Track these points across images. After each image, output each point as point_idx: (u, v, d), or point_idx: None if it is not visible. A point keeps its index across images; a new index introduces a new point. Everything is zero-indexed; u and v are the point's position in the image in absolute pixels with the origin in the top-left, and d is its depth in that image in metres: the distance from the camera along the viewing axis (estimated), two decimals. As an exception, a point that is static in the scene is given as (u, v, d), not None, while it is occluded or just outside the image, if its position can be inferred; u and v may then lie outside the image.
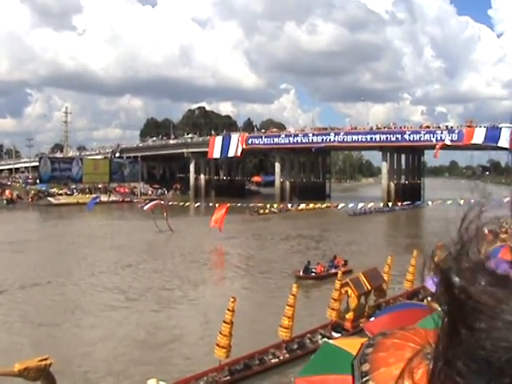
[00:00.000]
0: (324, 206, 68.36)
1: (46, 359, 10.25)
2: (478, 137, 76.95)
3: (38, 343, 17.55)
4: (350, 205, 61.05)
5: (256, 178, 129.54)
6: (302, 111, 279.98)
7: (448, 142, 79.01)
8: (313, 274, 28.81)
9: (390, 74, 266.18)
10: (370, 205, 64.64)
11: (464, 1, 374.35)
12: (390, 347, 3.85)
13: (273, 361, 15.99)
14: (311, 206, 65.31)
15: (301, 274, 28.47)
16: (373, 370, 3.78)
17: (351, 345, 5.14)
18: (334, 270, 27.77)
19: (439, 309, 3.72)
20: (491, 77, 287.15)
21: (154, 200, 63.79)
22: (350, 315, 18.74)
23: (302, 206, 65.03)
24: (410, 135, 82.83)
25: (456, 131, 79.57)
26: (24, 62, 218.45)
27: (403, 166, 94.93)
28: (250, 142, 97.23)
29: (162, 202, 55.16)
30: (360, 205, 61.82)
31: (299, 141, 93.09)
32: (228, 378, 14.64)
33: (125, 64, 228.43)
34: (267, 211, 64.07)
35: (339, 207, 61.15)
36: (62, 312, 22.18)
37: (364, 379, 3.71)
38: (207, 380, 14.44)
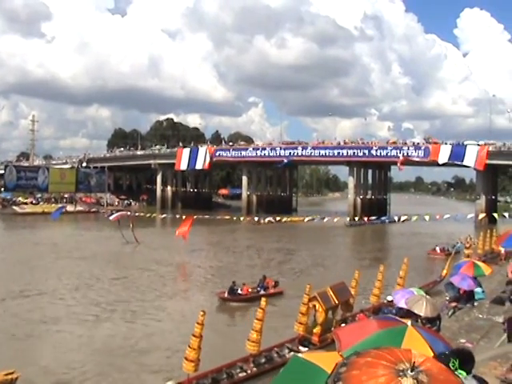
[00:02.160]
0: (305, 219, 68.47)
1: (12, 373, 10.20)
2: (444, 154, 77.77)
3: (5, 357, 17.33)
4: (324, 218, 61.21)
5: (223, 191, 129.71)
6: (269, 125, 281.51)
7: (415, 159, 79.82)
8: (239, 296, 26.38)
9: (358, 90, 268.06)
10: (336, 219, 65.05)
11: (431, 19, 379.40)
12: (363, 366, 4.01)
13: (240, 375, 15.92)
14: (279, 219, 65.52)
15: (226, 295, 26.36)
16: (346, 387, 3.91)
17: (320, 358, 5.22)
18: (263, 292, 26.24)
19: (408, 323, 3.89)
20: (457, 94, 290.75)
21: (120, 211, 63.57)
22: (317, 329, 18.75)
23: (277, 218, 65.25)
24: (376, 151, 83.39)
25: (422, 148, 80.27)
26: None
27: (370, 181, 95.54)
28: (217, 154, 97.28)
29: (129, 213, 54.96)
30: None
31: (267, 154, 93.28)
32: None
33: (93, 73, 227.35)
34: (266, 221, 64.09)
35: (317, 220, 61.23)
36: (27, 325, 21.96)
37: (337, 398, 3.84)
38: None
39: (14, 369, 10.54)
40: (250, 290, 26.97)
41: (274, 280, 28.76)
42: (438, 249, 43.14)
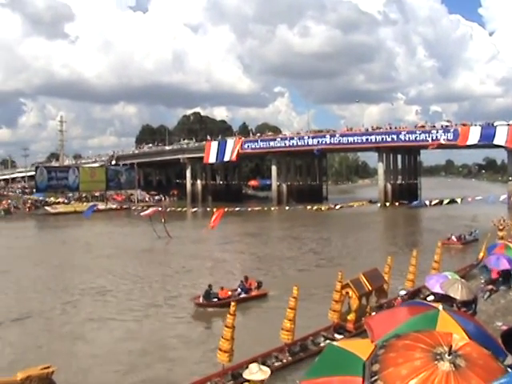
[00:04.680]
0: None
1: (48, 367, 10.22)
2: (474, 135, 76.70)
3: (48, 354, 17.44)
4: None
5: (253, 182, 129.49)
6: (296, 114, 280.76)
7: (443, 142, 78.87)
8: (215, 300, 23.71)
9: (384, 75, 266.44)
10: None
11: (454, 0, 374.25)
12: (401, 348, 3.88)
13: (276, 364, 15.91)
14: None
15: (201, 300, 23.79)
16: (382, 369, 3.82)
17: (355, 346, 5.13)
18: (244, 295, 24.57)
19: (439, 307, 3.72)
20: (485, 74, 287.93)
21: (151, 206, 63.80)
22: (351, 316, 18.65)
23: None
24: (405, 135, 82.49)
25: (451, 130, 79.17)
26: (17, 72, 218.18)
27: (399, 167, 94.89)
28: (245, 146, 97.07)
29: (160, 209, 55.10)
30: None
31: (295, 144, 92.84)
32: (231, 382, 14.59)
33: (118, 71, 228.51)
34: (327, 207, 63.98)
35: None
36: (68, 323, 22.12)
37: (373, 379, 3.75)
38: (210, 385, 14.39)
39: (49, 363, 10.48)
40: (229, 293, 24.27)
41: (256, 281, 26.12)
42: (453, 237, 41.24)
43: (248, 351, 15.48)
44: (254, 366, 9.66)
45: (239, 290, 24.98)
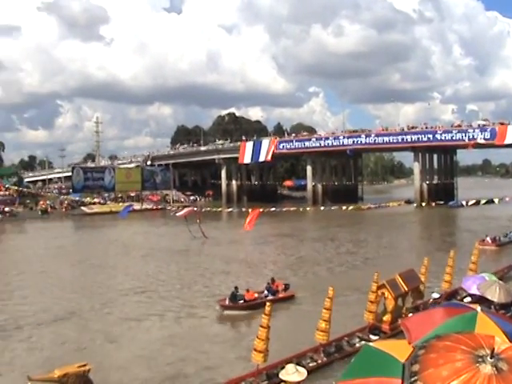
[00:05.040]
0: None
1: (84, 365, 10.41)
2: (512, 135, 75.76)
3: (77, 353, 17.55)
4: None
5: (288, 183, 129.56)
6: (331, 114, 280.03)
7: (480, 141, 77.93)
8: (241, 302, 23.36)
9: (419, 74, 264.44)
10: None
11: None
12: (441, 349, 3.76)
13: (311, 364, 15.82)
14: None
15: (226, 302, 23.32)
16: (422, 370, 3.72)
17: (391, 347, 5.04)
18: (271, 297, 23.52)
19: (478, 309, 3.59)
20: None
21: (186, 207, 64.02)
22: (387, 317, 18.51)
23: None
24: (441, 135, 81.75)
25: (488, 129, 78.26)
26: (54, 74, 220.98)
27: (435, 166, 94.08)
28: (280, 146, 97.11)
29: (195, 209, 55.27)
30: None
31: (330, 144, 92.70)
32: (266, 382, 14.53)
33: (153, 72, 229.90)
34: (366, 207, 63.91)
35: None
36: (100, 322, 22.27)
37: (412, 379, 3.65)
38: (245, 385, 14.36)
39: (86, 361, 10.63)
40: (255, 296, 23.95)
41: (283, 283, 25.73)
42: (488, 239, 39.96)
43: (277, 353, 15.34)
44: (290, 367, 9.59)
45: (266, 291, 24.62)
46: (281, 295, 24.43)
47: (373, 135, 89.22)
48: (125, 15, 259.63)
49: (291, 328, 19.17)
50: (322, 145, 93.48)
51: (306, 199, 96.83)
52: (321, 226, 58.52)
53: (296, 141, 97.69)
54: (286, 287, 25.30)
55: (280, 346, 15.68)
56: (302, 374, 9.40)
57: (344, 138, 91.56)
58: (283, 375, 9.39)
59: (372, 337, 17.75)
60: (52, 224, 72.03)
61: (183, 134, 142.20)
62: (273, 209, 51.51)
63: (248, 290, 23.98)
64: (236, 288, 23.72)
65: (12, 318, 22.83)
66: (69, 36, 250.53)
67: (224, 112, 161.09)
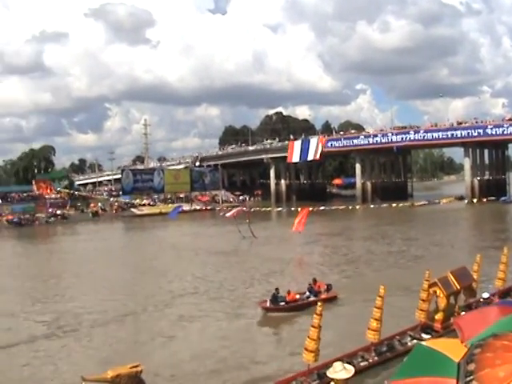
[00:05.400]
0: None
1: (136, 366, 10.53)
2: None
3: (131, 353, 17.73)
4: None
5: (337, 181, 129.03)
6: (379, 111, 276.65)
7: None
8: (283, 304, 23.07)
9: (468, 68, 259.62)
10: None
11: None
12: (499, 349, 3.71)
13: (362, 364, 15.74)
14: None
15: (268, 304, 22.96)
16: (478, 369, 3.67)
17: (444, 346, 4.98)
18: (313, 298, 23.14)
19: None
20: None
21: (235, 207, 64.20)
22: (439, 316, 18.29)
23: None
24: (492, 129, 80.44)
25: (541, 122, 76.88)
26: (102, 78, 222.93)
27: (486, 162, 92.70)
28: (329, 144, 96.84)
29: (244, 209, 55.36)
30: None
31: (378, 141, 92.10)
32: (317, 382, 14.47)
33: (199, 73, 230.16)
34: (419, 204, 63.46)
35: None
36: (152, 322, 22.48)
37: (468, 379, 3.60)
38: (296, 384, 14.34)
39: (138, 362, 10.78)
40: (297, 297, 23.72)
41: (325, 283, 25.24)
42: None
43: (325, 353, 15.26)
44: (337, 365, 9.57)
45: (307, 293, 24.16)
46: (323, 296, 23.66)
47: (422, 131, 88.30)
48: (170, 18, 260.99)
49: (336, 329, 19.03)
50: (371, 142, 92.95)
51: (355, 197, 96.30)
52: (370, 224, 58.09)
53: (344, 139, 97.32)
54: (329, 288, 24.88)
55: (326, 346, 15.57)
56: (349, 371, 9.37)
57: (392, 134, 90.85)
58: (331, 373, 9.37)
59: (424, 336, 17.57)
60: (103, 226, 73.03)
61: (231, 135, 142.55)
62: (322, 207, 51.45)
63: (289, 292, 23.69)
64: (277, 289, 23.46)
65: (68, 318, 23.28)
66: (115, 40, 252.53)
67: (271, 111, 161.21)
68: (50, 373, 17.04)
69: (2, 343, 19.93)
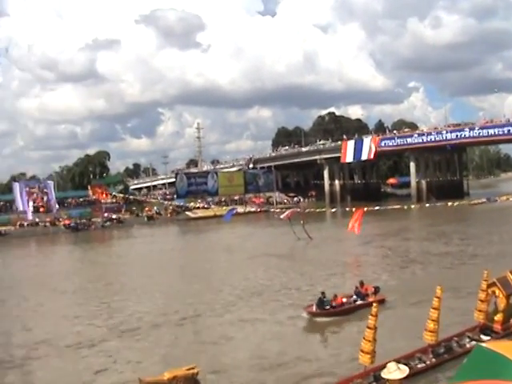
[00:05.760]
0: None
1: (193, 368, 10.68)
2: None
3: (188, 354, 17.86)
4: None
5: (391, 180, 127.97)
6: (432, 108, 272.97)
7: None
8: (329, 308, 22.48)
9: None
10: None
11: None
12: None
13: (419, 366, 15.58)
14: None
15: (314, 309, 22.44)
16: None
17: (505, 348, 4.88)
18: (360, 302, 23.23)
19: None
20: None
21: (290, 208, 64.17)
22: (498, 317, 17.99)
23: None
24: (550, 124, 79.02)
25: None
26: (154, 83, 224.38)
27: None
28: (382, 143, 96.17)
29: (299, 210, 55.28)
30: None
31: (433, 139, 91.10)
32: (373, 383, 14.38)
33: (251, 76, 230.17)
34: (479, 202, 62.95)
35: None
36: (212, 324, 22.63)
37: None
38: (352, 386, 14.27)
39: (194, 364, 10.93)
40: (343, 300, 23.19)
41: (373, 286, 24.75)
42: None
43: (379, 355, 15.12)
44: (392, 365, 9.49)
45: (354, 296, 23.77)
46: (370, 299, 22.86)
47: (477, 128, 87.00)
48: (220, 21, 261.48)
49: (388, 331, 18.84)
50: (425, 140, 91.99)
51: (410, 196, 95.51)
52: (426, 223, 57.51)
53: (398, 138, 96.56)
54: (376, 290, 24.32)
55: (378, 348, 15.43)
56: (403, 371, 9.29)
57: (447, 132, 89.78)
58: (385, 374, 9.31)
59: (483, 337, 17.31)
60: (158, 229, 73.86)
61: (284, 136, 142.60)
62: (377, 207, 50.74)
63: (336, 296, 23.18)
64: (323, 293, 22.89)
65: (129, 319, 23.79)
66: (166, 45, 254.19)
67: (324, 112, 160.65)
68: (108, 372, 17.39)
69: (66, 343, 20.50)
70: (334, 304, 22.66)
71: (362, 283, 24.69)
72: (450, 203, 51.34)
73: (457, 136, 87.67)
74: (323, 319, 21.99)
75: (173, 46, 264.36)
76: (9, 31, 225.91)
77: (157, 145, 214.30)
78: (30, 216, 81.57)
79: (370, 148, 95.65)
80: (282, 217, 51.14)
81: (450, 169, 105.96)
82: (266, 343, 19.44)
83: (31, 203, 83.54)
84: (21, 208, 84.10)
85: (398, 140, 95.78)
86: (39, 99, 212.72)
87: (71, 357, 19.17)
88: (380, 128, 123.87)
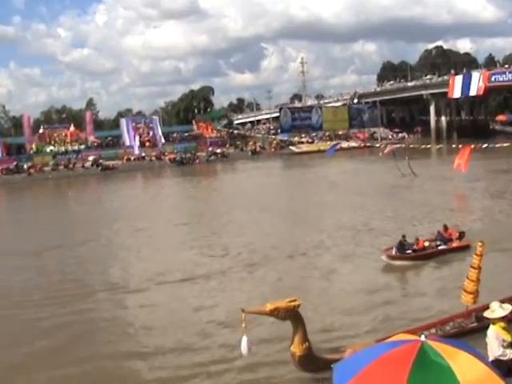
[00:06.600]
0: None
1: (294, 300, 11.13)
2: None
3: (290, 289, 18.22)
4: None
5: (501, 117, 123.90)
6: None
7: None
8: (409, 252, 21.40)
9: None
10: None
11: None
12: None
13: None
14: None
15: (393, 252, 21.30)
16: None
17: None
18: (443, 246, 22.01)
19: None
20: None
21: (394, 144, 63.60)
22: None
23: None
24: None
25: None
26: (257, 18, 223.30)
27: None
28: (492, 78, 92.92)
29: (402, 145, 54.67)
30: None
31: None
32: (475, 324, 14.09)
33: (355, 8, 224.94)
34: None
35: None
36: (314, 260, 23.11)
37: None
38: (453, 325, 14.17)
39: (296, 297, 11.31)
40: (426, 245, 22.01)
41: (458, 230, 23.28)
42: None
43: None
44: (494, 304, 9.55)
45: (438, 241, 22.54)
46: (454, 244, 22.14)
47: None
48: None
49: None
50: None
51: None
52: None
53: (509, 72, 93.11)
54: (461, 235, 22.80)
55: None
56: (507, 309, 9.34)
57: None
58: (488, 314, 9.39)
59: None
60: (262, 164, 74.53)
61: (389, 70, 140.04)
62: (485, 145, 49.51)
63: (418, 239, 22.12)
64: (404, 236, 21.84)
65: (232, 253, 24.44)
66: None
67: (431, 46, 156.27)
68: (215, 304, 17.94)
69: (179, 277, 21.23)
70: (415, 248, 21.69)
71: (445, 227, 23.38)
72: None
73: None
74: (403, 263, 21.07)
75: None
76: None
77: (260, 80, 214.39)
78: (136, 151, 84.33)
79: (479, 83, 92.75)
80: (385, 152, 50.78)
81: None
82: (363, 280, 19.47)
83: (137, 138, 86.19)
84: (128, 143, 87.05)
85: (510, 75, 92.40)
86: (143, 36, 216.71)
87: (186, 286, 20.16)
88: (490, 62, 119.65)
